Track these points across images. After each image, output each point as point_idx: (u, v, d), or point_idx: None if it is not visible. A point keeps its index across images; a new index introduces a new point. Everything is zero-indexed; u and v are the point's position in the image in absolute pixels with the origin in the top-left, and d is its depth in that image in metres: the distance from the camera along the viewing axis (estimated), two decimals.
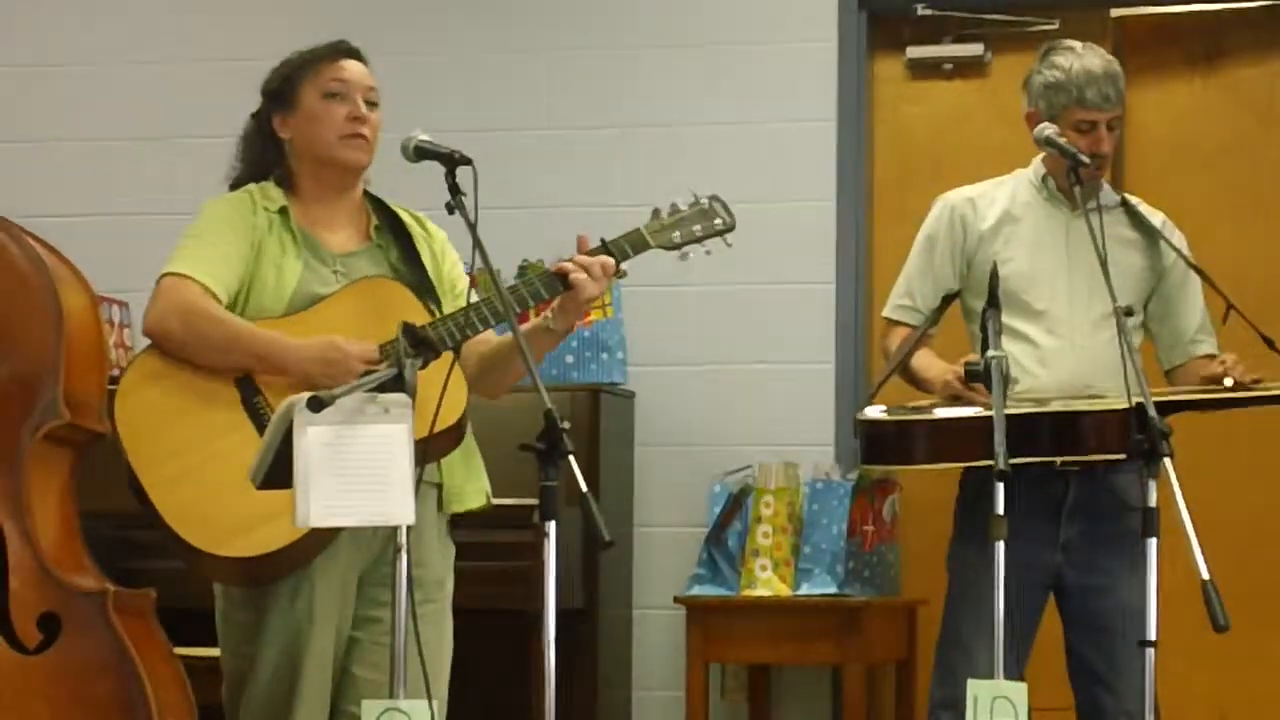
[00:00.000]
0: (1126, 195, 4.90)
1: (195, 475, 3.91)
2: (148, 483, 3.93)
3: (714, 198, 4.21)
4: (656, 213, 4.17)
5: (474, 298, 3.99)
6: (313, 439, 3.40)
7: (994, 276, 4.20)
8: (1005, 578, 3.97)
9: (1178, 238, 4.88)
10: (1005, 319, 4.68)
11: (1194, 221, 4.96)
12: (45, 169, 6.55)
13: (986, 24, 6.27)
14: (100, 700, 3.95)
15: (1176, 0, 6.18)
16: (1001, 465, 3.90)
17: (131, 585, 4.16)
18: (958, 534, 4.80)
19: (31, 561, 4.00)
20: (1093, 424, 4.58)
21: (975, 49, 6.29)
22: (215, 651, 4.13)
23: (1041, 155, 4.83)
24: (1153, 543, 4.01)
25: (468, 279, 4.05)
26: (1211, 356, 4.81)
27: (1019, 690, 3.85)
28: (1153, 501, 4.00)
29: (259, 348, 3.98)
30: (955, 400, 4.66)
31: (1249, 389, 4.65)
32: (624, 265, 4.10)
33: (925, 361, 4.82)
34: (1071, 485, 4.68)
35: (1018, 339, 4.72)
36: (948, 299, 4.88)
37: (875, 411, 4.76)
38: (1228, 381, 4.64)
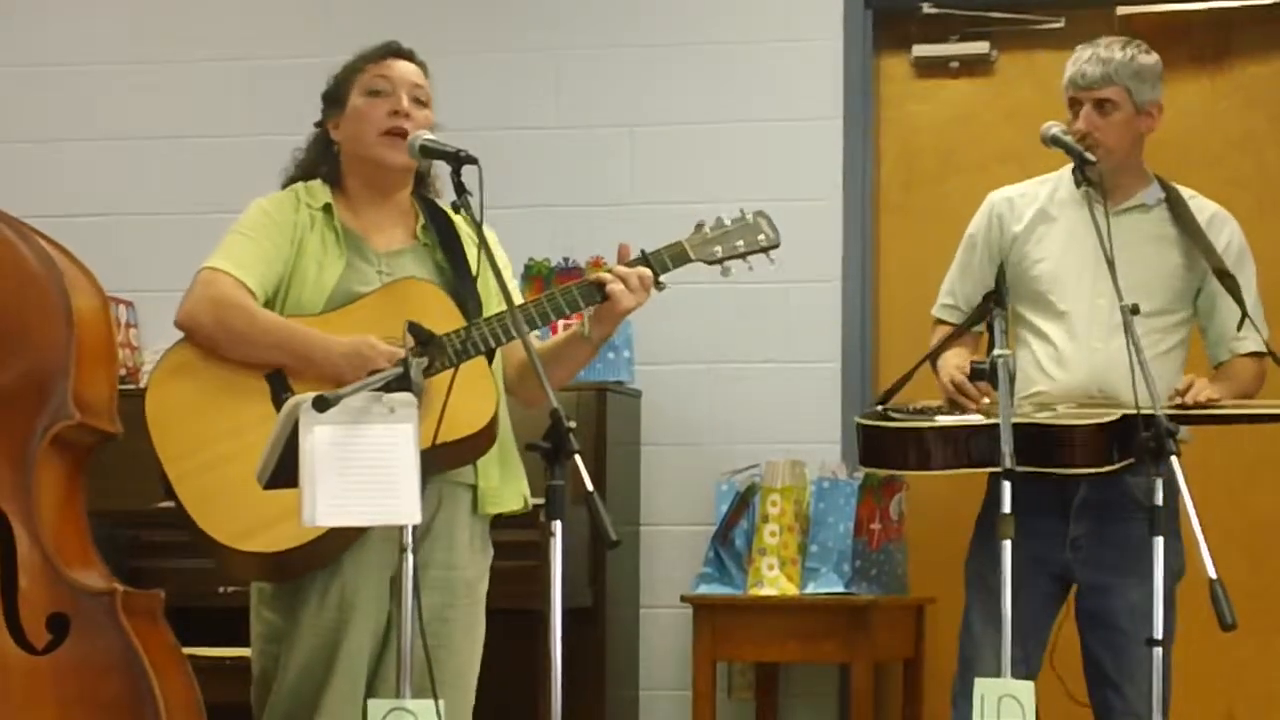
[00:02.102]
0: (1179, 189, 4.86)
1: (220, 468, 3.90)
2: (173, 475, 3.92)
3: (759, 213, 4.17)
4: (700, 225, 4.14)
5: (518, 301, 3.93)
6: (318, 438, 3.40)
7: (1000, 277, 4.20)
8: (1016, 574, 3.97)
9: (1227, 232, 4.84)
10: (1032, 318, 4.70)
11: None
12: (52, 169, 6.55)
13: (992, 22, 6.27)
14: (108, 700, 3.95)
15: None
16: (1008, 464, 3.90)
17: (140, 585, 4.16)
18: (976, 531, 4.81)
19: (41, 561, 4.00)
20: (1080, 438, 4.56)
21: (981, 47, 6.29)
22: (224, 651, 4.13)
23: None
24: (1159, 541, 4.01)
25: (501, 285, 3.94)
26: (1260, 355, 4.79)
27: (1026, 689, 3.85)
28: (1159, 500, 4.00)
29: (289, 341, 3.97)
30: (955, 404, 4.68)
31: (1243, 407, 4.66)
32: (663, 278, 4.08)
33: (942, 362, 4.82)
34: (1083, 483, 4.67)
35: (1041, 339, 4.73)
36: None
37: (875, 415, 4.77)
38: (1186, 399, 4.63)
